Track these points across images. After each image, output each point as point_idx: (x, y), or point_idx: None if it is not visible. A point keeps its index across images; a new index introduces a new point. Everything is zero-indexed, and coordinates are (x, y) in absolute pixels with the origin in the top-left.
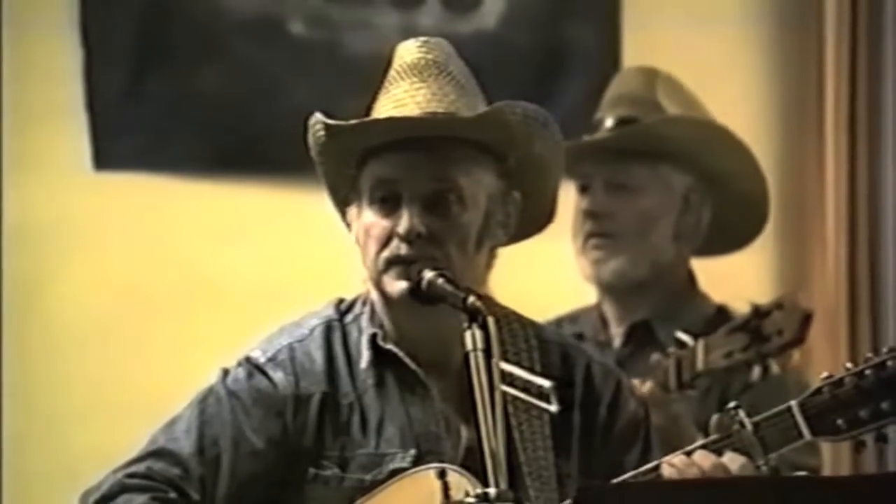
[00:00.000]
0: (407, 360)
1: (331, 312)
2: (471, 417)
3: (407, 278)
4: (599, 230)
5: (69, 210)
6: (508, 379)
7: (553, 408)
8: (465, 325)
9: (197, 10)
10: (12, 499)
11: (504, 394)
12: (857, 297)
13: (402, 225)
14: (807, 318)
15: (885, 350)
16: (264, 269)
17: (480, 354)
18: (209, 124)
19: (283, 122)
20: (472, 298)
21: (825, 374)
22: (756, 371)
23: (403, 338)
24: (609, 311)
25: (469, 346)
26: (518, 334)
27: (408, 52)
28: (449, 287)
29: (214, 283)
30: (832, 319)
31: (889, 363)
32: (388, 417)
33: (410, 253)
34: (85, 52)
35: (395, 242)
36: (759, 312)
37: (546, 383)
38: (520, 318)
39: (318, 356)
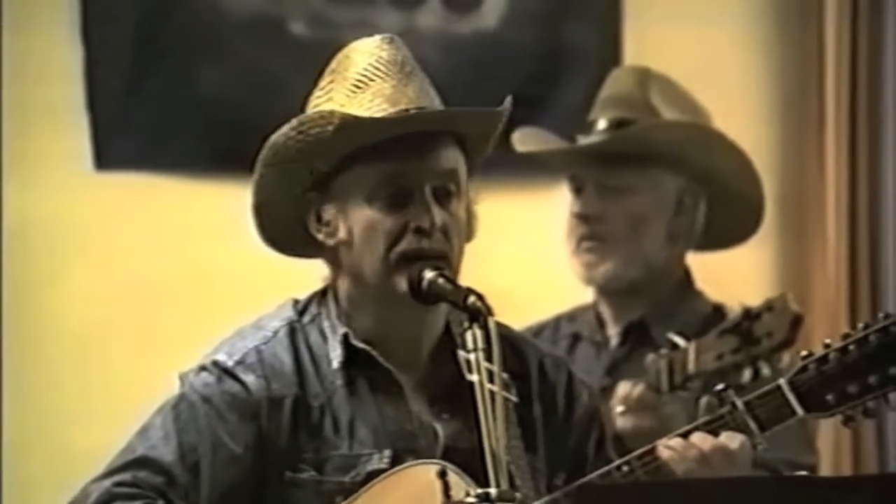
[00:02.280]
0: (380, 360)
1: (291, 314)
2: (444, 415)
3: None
4: (591, 233)
5: (70, 210)
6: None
7: (513, 398)
8: (466, 324)
9: (197, 9)
10: (12, 500)
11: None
12: (858, 294)
13: (424, 219)
14: (796, 321)
15: (861, 325)
16: (264, 268)
17: (481, 354)
18: (210, 124)
19: (283, 121)
20: (472, 298)
21: (804, 352)
22: (747, 373)
23: (376, 337)
24: (605, 311)
25: (470, 345)
26: None
27: (378, 48)
28: (449, 286)
29: (215, 282)
30: (833, 316)
31: (871, 338)
32: (359, 418)
33: (433, 246)
34: (85, 52)
35: (409, 237)
36: (749, 315)
37: (504, 375)
38: None
39: (286, 358)
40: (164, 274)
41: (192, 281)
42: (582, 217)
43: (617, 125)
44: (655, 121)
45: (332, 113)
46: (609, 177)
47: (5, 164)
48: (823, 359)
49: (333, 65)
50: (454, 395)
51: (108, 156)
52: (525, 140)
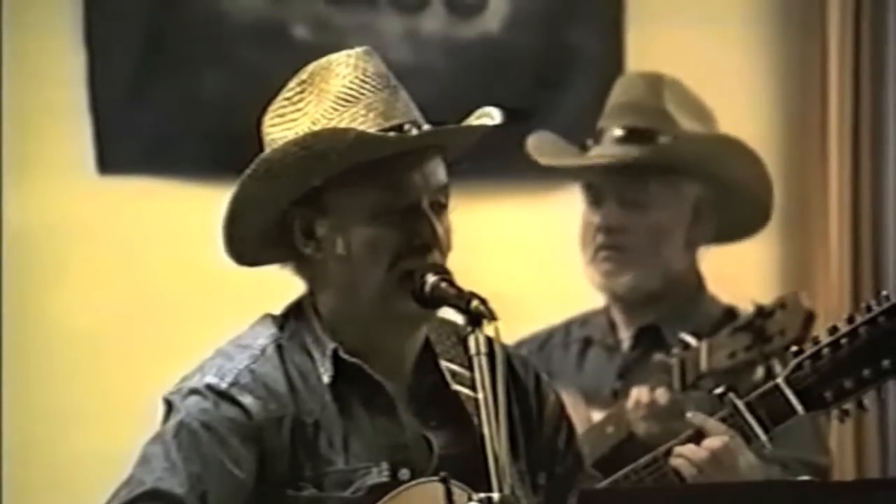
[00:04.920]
0: (371, 373)
1: (274, 330)
2: (431, 423)
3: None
4: (612, 244)
5: (72, 214)
6: (459, 379)
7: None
8: (469, 329)
9: (200, 13)
10: (13, 501)
11: (459, 393)
12: (861, 296)
13: (429, 235)
14: (809, 318)
15: (847, 318)
16: (266, 272)
17: (484, 359)
18: (212, 128)
19: None
20: (475, 302)
21: (795, 348)
22: (759, 371)
23: (363, 350)
24: (617, 315)
25: (473, 350)
26: (442, 334)
27: (362, 61)
28: (452, 290)
29: (217, 286)
30: (836, 318)
31: (860, 331)
32: (352, 432)
33: (434, 262)
34: (88, 55)
35: (413, 254)
36: (762, 312)
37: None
38: (443, 320)
39: (279, 376)
40: (166, 278)
41: (194, 285)
42: (604, 228)
43: (632, 133)
44: (682, 133)
45: (344, 130)
46: (630, 189)
47: (7, 168)
48: (817, 355)
49: (304, 76)
50: (439, 405)
51: (110, 160)
52: (541, 148)
